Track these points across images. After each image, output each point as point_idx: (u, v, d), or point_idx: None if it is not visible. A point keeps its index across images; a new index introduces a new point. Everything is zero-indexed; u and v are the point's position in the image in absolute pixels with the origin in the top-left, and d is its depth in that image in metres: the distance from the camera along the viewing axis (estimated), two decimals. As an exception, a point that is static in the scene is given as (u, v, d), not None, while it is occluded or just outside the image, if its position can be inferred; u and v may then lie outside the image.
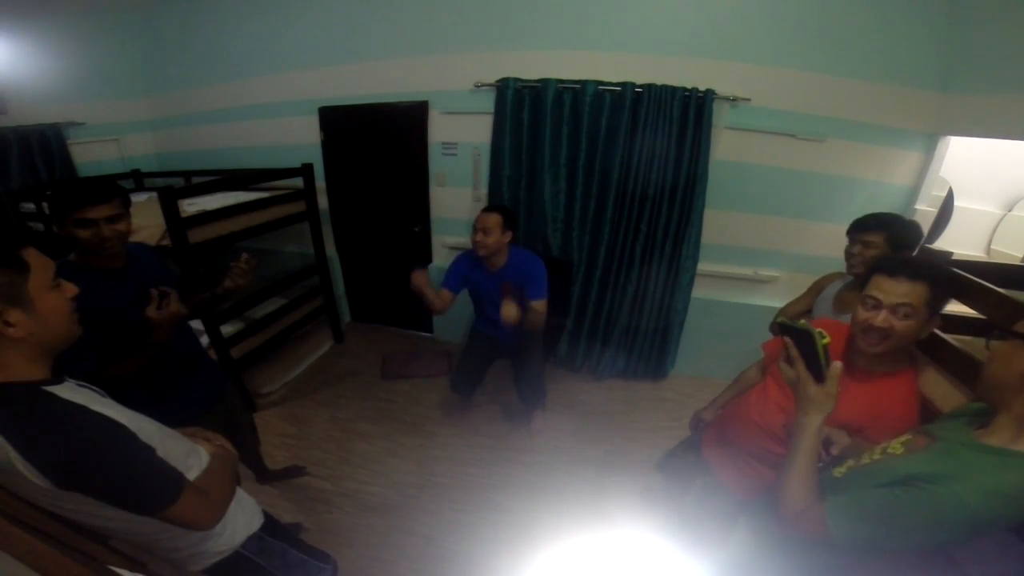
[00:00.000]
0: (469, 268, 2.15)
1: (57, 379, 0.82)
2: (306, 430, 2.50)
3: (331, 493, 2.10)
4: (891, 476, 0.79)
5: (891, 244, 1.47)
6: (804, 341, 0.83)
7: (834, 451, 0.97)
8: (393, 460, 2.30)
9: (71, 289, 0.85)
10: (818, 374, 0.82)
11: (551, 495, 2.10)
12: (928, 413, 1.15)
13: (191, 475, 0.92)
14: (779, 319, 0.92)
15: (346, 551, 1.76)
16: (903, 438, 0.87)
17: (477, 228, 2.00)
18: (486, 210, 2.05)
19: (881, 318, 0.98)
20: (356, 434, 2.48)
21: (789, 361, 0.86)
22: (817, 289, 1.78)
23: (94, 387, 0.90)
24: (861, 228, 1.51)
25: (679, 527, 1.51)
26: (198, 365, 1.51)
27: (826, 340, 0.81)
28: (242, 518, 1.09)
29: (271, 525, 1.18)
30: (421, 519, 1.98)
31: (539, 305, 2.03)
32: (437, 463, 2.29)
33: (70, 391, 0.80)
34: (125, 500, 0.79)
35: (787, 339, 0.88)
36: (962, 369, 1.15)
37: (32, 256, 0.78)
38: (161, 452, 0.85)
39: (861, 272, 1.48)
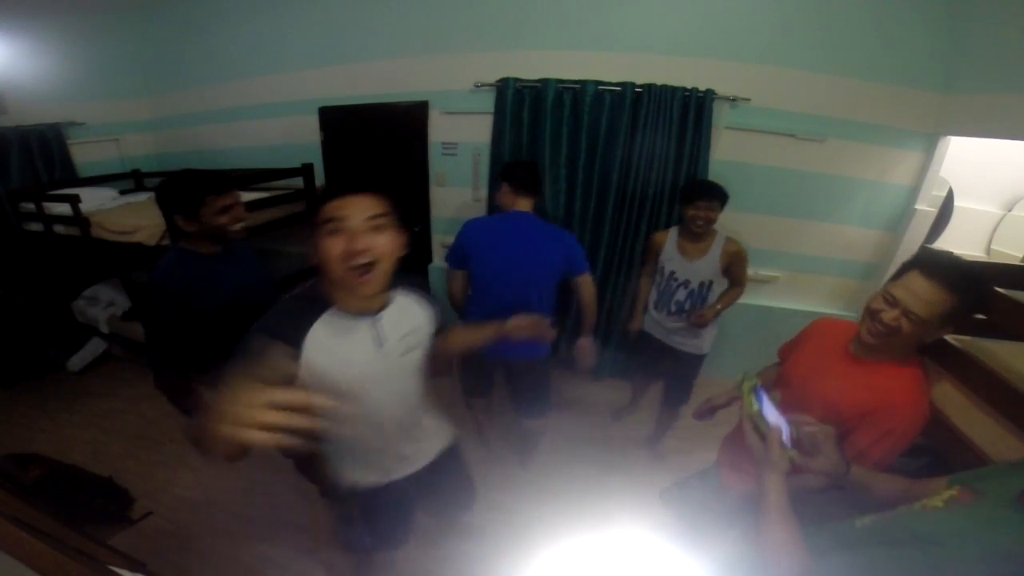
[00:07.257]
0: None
1: None
2: (306, 430, 2.50)
3: (331, 493, 2.09)
4: (913, 531, 0.70)
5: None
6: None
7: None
8: (393, 460, 2.30)
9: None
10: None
11: (551, 495, 2.10)
12: (941, 426, 1.14)
13: None
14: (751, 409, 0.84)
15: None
16: (946, 493, 0.76)
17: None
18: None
19: (892, 316, 0.91)
20: (356, 434, 2.48)
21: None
22: (656, 250, 2.06)
23: None
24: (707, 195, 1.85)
25: (679, 527, 1.51)
26: None
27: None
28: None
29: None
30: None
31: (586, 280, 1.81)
32: (437, 463, 2.28)
33: None
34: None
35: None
36: (968, 373, 1.15)
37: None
38: None
39: (701, 232, 1.90)
